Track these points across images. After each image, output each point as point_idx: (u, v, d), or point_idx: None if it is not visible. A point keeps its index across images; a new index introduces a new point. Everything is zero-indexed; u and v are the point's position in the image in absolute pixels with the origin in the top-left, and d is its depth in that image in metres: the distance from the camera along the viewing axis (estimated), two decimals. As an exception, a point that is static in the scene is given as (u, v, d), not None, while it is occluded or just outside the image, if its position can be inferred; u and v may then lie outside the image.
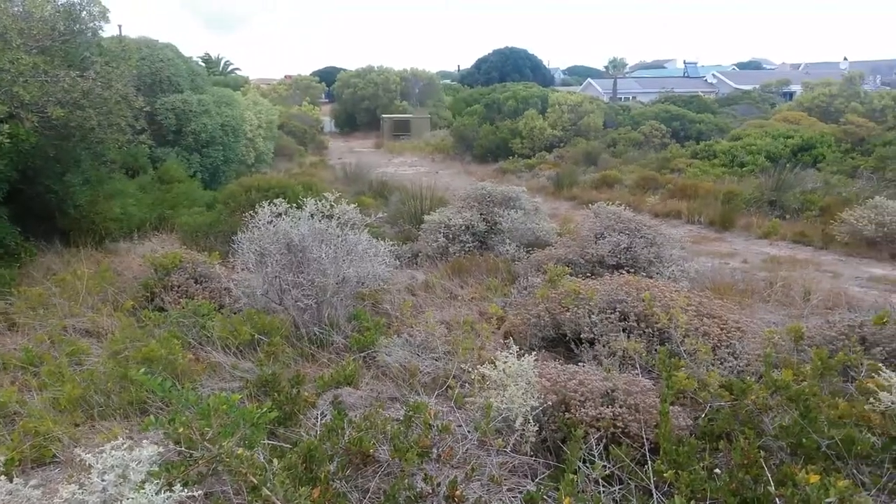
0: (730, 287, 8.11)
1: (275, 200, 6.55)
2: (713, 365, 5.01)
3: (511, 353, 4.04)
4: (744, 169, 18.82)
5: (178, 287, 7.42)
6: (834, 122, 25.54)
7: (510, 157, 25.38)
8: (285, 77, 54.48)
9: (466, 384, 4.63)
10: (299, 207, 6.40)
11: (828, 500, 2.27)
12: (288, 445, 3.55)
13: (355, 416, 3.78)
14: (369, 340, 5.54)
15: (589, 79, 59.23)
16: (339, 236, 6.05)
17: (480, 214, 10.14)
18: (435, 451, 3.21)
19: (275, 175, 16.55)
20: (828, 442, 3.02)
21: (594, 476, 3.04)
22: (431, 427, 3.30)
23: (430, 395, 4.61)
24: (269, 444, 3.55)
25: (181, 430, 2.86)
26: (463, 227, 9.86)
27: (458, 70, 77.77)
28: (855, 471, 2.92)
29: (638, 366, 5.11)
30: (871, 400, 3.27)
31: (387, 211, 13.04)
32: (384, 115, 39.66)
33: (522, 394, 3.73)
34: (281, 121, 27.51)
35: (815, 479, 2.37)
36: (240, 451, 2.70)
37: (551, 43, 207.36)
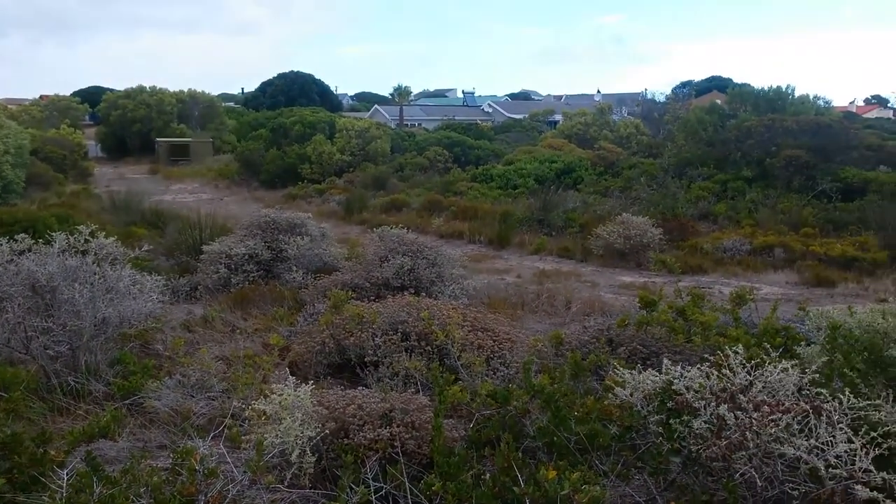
0: (503, 301, 8.72)
1: (17, 236, 5.80)
2: (486, 376, 5.34)
3: (287, 385, 3.94)
4: (516, 191, 20.44)
5: None
6: (589, 147, 28.80)
7: (299, 183, 25.05)
8: (40, 97, 48.66)
9: (247, 421, 4.44)
10: (49, 243, 5.73)
11: (563, 492, 2.52)
12: (29, 515, 3.12)
13: (114, 470, 3.43)
14: (135, 385, 5.08)
15: (376, 105, 60.71)
16: (96, 273, 5.50)
17: (265, 242, 9.85)
18: (202, 497, 3.02)
19: (25, 207, 14.63)
20: (575, 438, 3.35)
21: (355, 501, 3.06)
22: (197, 472, 3.10)
23: (205, 438, 4.34)
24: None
25: None
26: (246, 257, 9.50)
27: (242, 93, 75.35)
28: (597, 462, 3.27)
29: (419, 384, 5.28)
30: (610, 395, 3.69)
31: (162, 242, 12.17)
32: (159, 139, 37.05)
33: (299, 425, 3.66)
34: (34, 146, 24.50)
35: (552, 474, 2.63)
36: (-49, 532, 2.31)
37: (340, 69, 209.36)
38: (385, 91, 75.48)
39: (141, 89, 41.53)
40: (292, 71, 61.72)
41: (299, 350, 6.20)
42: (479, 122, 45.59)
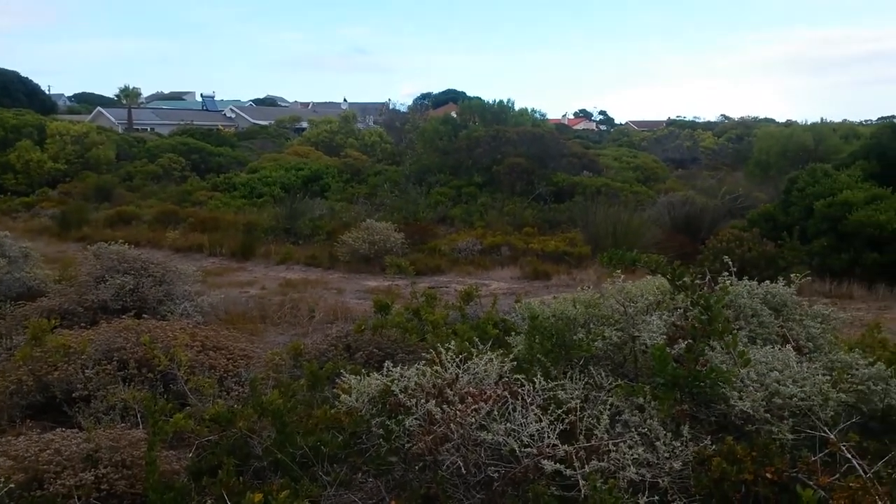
0: (243, 315, 8.36)
1: None
2: (220, 397, 5.04)
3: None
4: (261, 199, 19.84)
5: None
6: (336, 155, 29.01)
7: (1, 196, 21.60)
8: None
9: None
10: None
11: (269, 514, 2.46)
12: None
13: None
14: None
15: (99, 108, 54.60)
16: None
17: (-55, 268, 8.25)
18: None
19: None
20: (301, 452, 3.29)
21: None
22: None
23: None
24: None
25: None
26: (-82, 287, 7.86)
27: (-77, 90, 62.70)
28: (322, 473, 3.24)
29: (139, 416, 4.81)
30: (339, 402, 3.69)
31: None
32: None
33: (-28, 485, 3.09)
34: None
35: (258, 498, 2.54)
36: None
37: (56, 67, 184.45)
38: (110, 92, 68.10)
39: None
40: (-10, 67, 52.83)
41: (-13, 393, 5.27)
42: (220, 127, 43.48)
